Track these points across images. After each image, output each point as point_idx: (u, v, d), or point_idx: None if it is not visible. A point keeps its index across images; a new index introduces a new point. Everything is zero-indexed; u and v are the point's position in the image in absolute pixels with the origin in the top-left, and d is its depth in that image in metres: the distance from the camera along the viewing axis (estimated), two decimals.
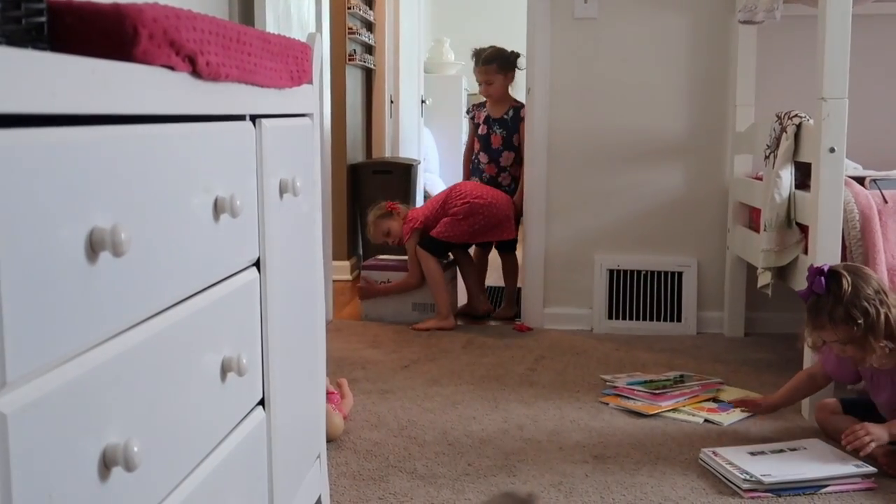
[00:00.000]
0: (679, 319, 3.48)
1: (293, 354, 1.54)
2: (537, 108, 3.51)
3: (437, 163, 6.85)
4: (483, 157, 3.87)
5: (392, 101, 5.62)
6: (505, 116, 3.82)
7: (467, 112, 4.06)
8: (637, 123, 3.48)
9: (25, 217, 0.71)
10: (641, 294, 3.50)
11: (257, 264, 1.35)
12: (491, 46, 3.90)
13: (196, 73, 1.04)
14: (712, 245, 3.49)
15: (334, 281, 4.15)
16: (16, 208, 0.70)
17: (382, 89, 5.38)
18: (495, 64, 3.80)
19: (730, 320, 3.42)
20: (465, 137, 7.27)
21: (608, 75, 3.48)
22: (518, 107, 3.81)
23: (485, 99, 3.92)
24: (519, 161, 3.77)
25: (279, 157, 1.43)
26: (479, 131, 3.88)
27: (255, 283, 1.33)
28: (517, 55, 3.84)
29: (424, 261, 3.61)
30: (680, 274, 3.49)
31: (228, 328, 1.20)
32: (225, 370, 1.17)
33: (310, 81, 1.60)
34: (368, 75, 5.25)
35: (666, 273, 3.49)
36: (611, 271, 3.52)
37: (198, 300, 1.09)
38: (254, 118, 1.32)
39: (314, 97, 1.65)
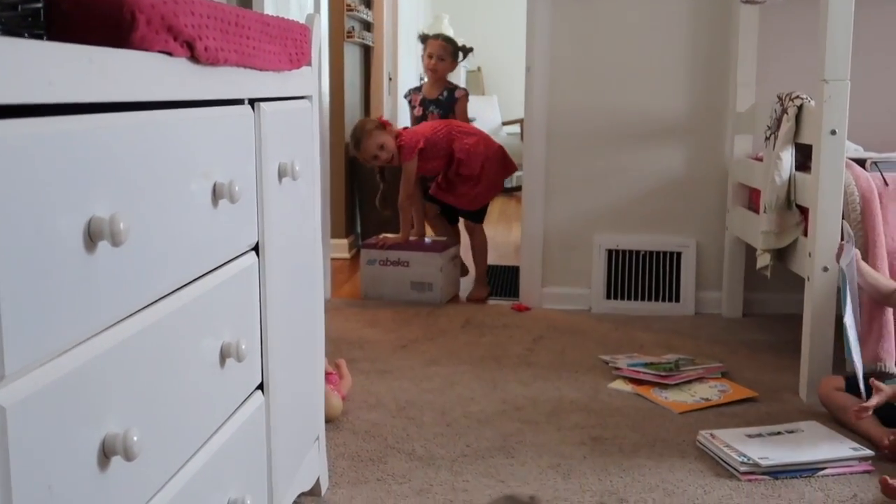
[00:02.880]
0: (677, 300, 3.48)
1: (292, 338, 1.54)
2: (537, 86, 3.49)
3: None
4: None
5: (390, 79, 5.59)
6: (440, 97, 4.01)
7: (405, 95, 4.24)
8: (637, 103, 3.47)
9: (23, 207, 0.71)
10: (640, 274, 3.50)
11: (256, 249, 1.35)
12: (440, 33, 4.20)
13: (194, 58, 1.03)
14: (711, 226, 3.48)
15: (332, 259, 4.15)
16: (14, 199, 0.69)
17: (381, 67, 5.35)
18: (451, 46, 4.03)
19: (728, 301, 3.43)
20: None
21: (609, 54, 3.46)
22: (452, 88, 4.03)
23: (420, 84, 4.18)
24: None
25: (278, 141, 1.42)
26: (415, 113, 4.06)
27: (254, 267, 1.33)
28: (469, 50, 4.14)
29: (477, 233, 3.83)
30: (679, 254, 3.49)
31: (227, 313, 1.20)
32: (224, 356, 1.17)
33: (309, 64, 1.58)
34: (367, 53, 5.22)
35: (665, 253, 3.49)
36: (609, 251, 3.51)
37: (197, 286, 1.09)
38: (252, 102, 1.31)
39: (313, 79, 1.64)
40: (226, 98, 1.19)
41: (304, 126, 1.60)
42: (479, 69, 8.16)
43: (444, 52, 3.99)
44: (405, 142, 3.67)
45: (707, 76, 3.44)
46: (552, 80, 3.49)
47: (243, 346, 1.18)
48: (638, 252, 3.50)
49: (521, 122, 6.25)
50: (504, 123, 7.77)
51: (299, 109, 1.57)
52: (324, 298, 1.83)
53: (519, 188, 3.83)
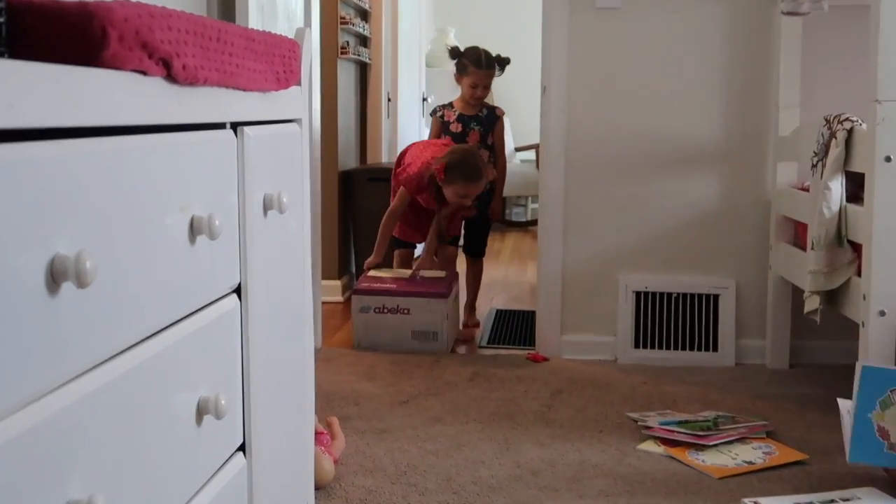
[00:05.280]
0: (715, 349, 3.47)
1: (278, 392, 1.54)
2: (553, 109, 3.52)
3: None
4: None
5: (389, 99, 5.64)
6: (480, 114, 4.17)
7: (433, 112, 4.34)
8: (667, 127, 3.49)
9: None
10: (672, 320, 3.50)
11: (238, 291, 1.35)
12: (476, 48, 4.22)
13: (171, 77, 1.05)
14: (752, 265, 3.48)
15: (323, 303, 4.15)
16: None
17: (379, 86, 5.41)
18: (495, 68, 4.17)
19: (773, 350, 3.42)
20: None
21: (634, 73, 3.49)
22: (491, 107, 4.21)
23: (450, 101, 4.28)
24: (493, 161, 4.14)
25: (263, 170, 1.43)
26: (453, 129, 4.16)
27: (236, 311, 1.33)
28: (507, 60, 4.24)
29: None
30: (716, 297, 3.49)
31: (205, 364, 1.21)
32: (201, 412, 1.17)
33: (298, 83, 1.60)
34: (363, 70, 5.27)
35: (700, 296, 3.49)
36: (637, 294, 3.52)
37: (171, 333, 1.09)
38: (235, 126, 1.33)
39: (303, 101, 1.66)
40: (205, 122, 1.20)
41: (292, 153, 1.62)
42: None
43: (491, 79, 4.16)
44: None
45: (745, 97, 3.46)
46: (571, 102, 3.52)
47: (223, 402, 1.18)
48: (669, 294, 3.50)
49: (535, 147, 6.30)
50: (517, 149, 7.81)
51: (287, 134, 1.58)
52: (314, 347, 1.84)
53: (534, 222, 3.85)
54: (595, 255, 3.57)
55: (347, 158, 4.83)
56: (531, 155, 7.34)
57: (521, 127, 7.94)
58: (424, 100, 6.80)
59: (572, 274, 3.58)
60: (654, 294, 3.51)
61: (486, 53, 4.15)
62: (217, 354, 1.26)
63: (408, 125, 6.07)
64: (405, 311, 3.65)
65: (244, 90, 1.33)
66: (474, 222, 4.19)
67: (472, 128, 4.15)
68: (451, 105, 4.24)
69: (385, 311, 3.67)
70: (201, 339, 1.18)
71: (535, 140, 4.40)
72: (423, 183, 3.82)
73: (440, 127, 4.20)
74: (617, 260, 3.56)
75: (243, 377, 1.36)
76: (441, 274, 3.89)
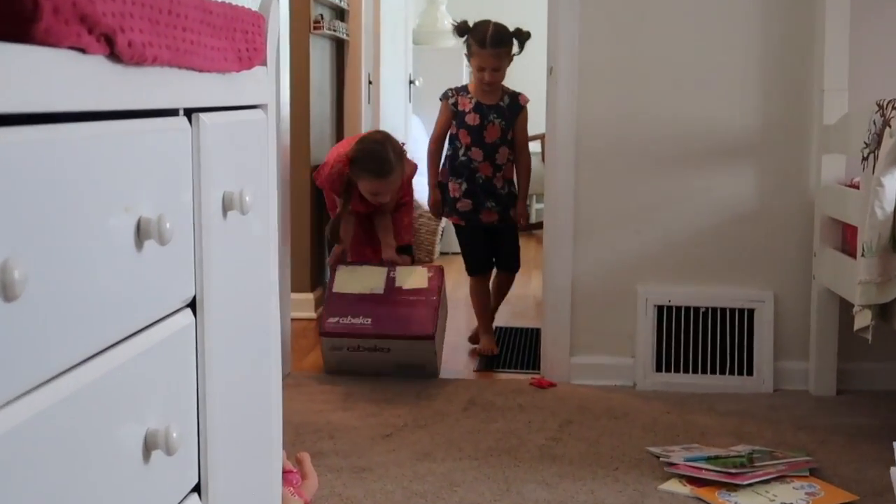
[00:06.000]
0: (750, 372, 3.48)
1: (239, 424, 1.54)
2: (562, 94, 3.53)
3: None
4: (476, 154, 4.05)
5: (371, 82, 5.65)
6: (501, 104, 4.05)
7: (444, 96, 4.18)
8: (694, 114, 3.49)
9: None
10: (700, 339, 3.50)
11: (193, 305, 1.35)
12: (486, 22, 4.07)
13: (115, 56, 1.05)
14: (793, 274, 3.49)
15: (293, 320, 4.15)
16: None
17: (358, 66, 5.41)
18: (508, 47, 3.99)
19: (817, 373, 3.42)
20: None
21: (655, 51, 3.50)
22: (514, 93, 4.08)
23: (465, 84, 4.17)
24: (513, 160, 4.07)
25: (223, 164, 1.43)
26: (469, 121, 4.05)
27: (191, 329, 1.33)
28: (527, 35, 4.03)
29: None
30: (751, 312, 3.49)
31: (154, 391, 1.20)
32: (149, 448, 1.16)
33: (264, 63, 1.60)
34: (340, 48, 5.28)
35: (732, 311, 3.50)
36: (659, 308, 3.52)
37: (114, 355, 1.09)
38: (189, 112, 1.33)
39: (269, 83, 1.66)
40: (155, 108, 1.20)
41: (256, 144, 1.62)
42: None
43: (500, 61, 3.99)
44: (408, 181, 4.06)
45: (785, 78, 3.47)
46: (582, 85, 3.53)
47: (175, 435, 1.18)
48: (697, 309, 3.51)
49: (541, 138, 6.31)
50: None
51: (250, 122, 1.58)
52: (282, 372, 1.83)
53: (539, 225, 3.84)
54: (610, 263, 3.57)
55: (321, 150, 4.82)
56: (535, 147, 7.33)
57: None
58: (411, 82, 6.80)
59: (583, 285, 3.58)
60: (678, 309, 3.52)
61: (496, 28, 3.99)
62: (168, 380, 1.25)
63: (392, 112, 6.07)
64: (385, 350, 3.62)
65: (200, 71, 1.32)
66: (498, 232, 4.14)
67: (492, 120, 4.02)
68: (465, 90, 4.11)
69: (361, 349, 3.64)
70: (149, 361, 1.18)
71: (540, 129, 4.40)
72: (335, 180, 3.88)
73: (451, 116, 4.09)
74: (635, 269, 3.56)
75: (199, 406, 1.36)
76: (423, 281, 3.80)
